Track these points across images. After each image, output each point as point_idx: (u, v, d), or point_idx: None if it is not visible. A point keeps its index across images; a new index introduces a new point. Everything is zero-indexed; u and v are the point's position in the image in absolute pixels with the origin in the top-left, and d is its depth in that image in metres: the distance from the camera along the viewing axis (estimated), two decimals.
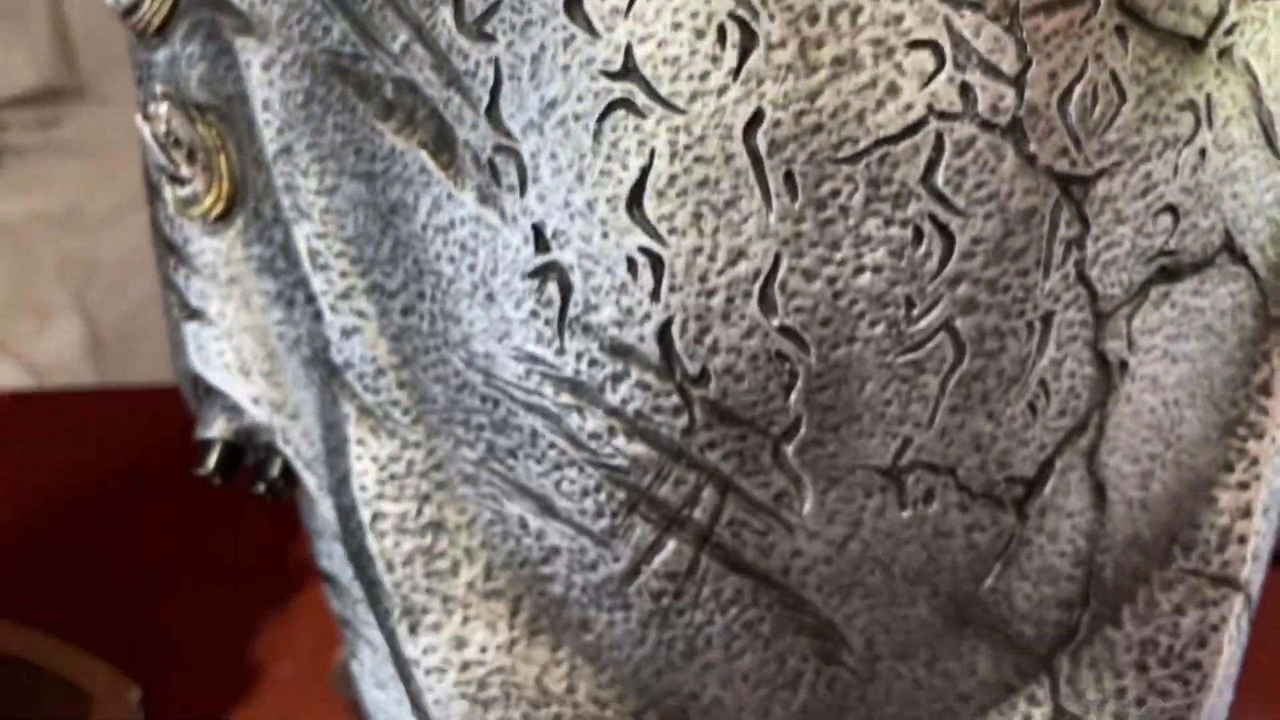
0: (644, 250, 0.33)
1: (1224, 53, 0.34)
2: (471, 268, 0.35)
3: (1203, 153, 0.35)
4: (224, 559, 0.63)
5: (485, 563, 0.37)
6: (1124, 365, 0.35)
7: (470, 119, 0.35)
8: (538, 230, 0.34)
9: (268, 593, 0.60)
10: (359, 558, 0.38)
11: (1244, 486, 0.37)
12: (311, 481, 0.40)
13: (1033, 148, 0.32)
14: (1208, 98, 0.34)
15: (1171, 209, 0.34)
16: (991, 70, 0.32)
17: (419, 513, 0.37)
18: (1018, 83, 0.32)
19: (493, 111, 0.34)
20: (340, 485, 0.38)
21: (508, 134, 0.34)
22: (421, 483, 0.37)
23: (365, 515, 0.37)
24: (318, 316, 0.37)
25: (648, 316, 0.33)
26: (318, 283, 0.38)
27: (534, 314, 0.34)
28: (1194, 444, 0.36)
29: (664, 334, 0.33)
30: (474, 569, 0.37)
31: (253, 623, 0.59)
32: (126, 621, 0.59)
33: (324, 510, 0.40)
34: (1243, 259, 0.36)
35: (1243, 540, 0.37)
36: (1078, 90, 0.32)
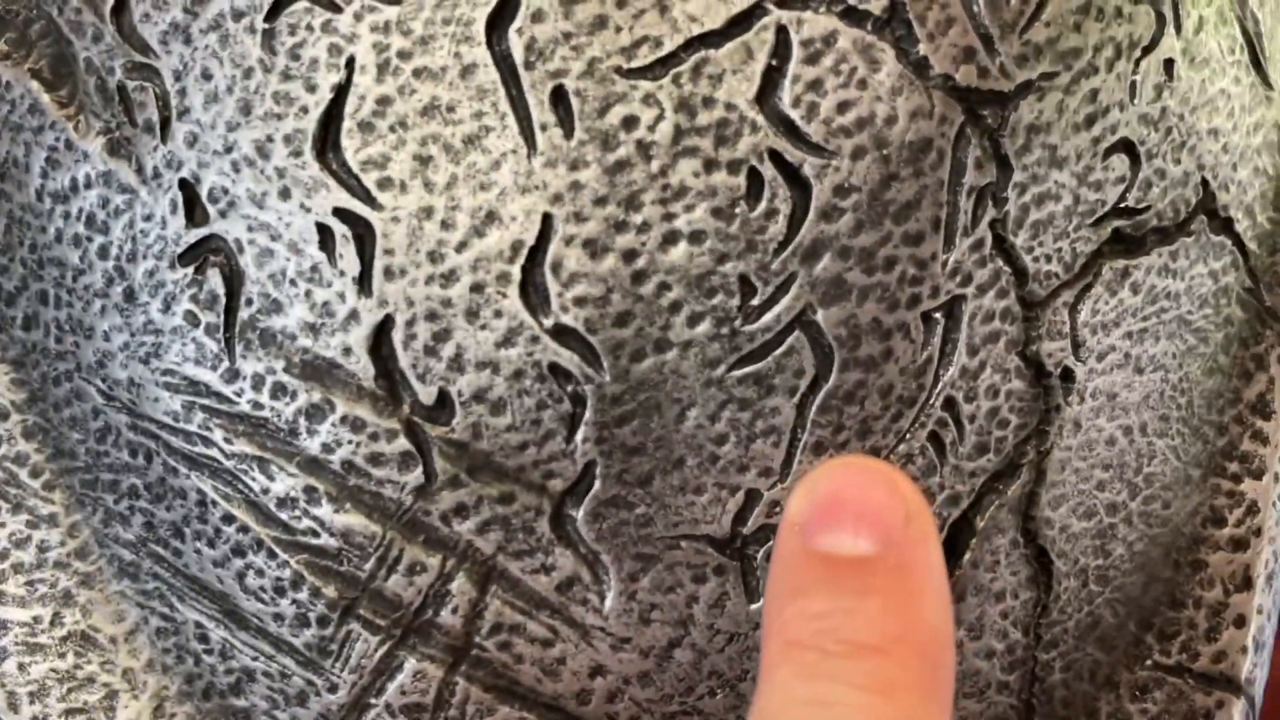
0: (343, 214, 0.22)
1: None
2: (103, 252, 0.24)
3: (1169, 66, 0.24)
4: None
5: (154, 693, 0.26)
6: (1068, 377, 0.24)
7: (93, 25, 0.24)
8: (188, 189, 0.23)
9: None
10: None
11: (1239, 545, 0.27)
12: None
13: (923, 49, 0.22)
14: None
15: (1128, 146, 0.24)
16: None
17: (56, 620, 0.26)
18: None
19: (122, 13, 0.23)
20: None
21: (143, 46, 0.23)
22: (60, 576, 0.26)
23: None
24: None
25: (354, 317, 0.23)
26: None
27: (191, 318, 0.23)
28: (1169, 487, 0.26)
29: (379, 343, 0.22)
30: (139, 702, 0.26)
31: None
32: None
33: None
34: (1226, 225, 0.26)
35: (1241, 622, 0.27)
36: None
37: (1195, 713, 0.26)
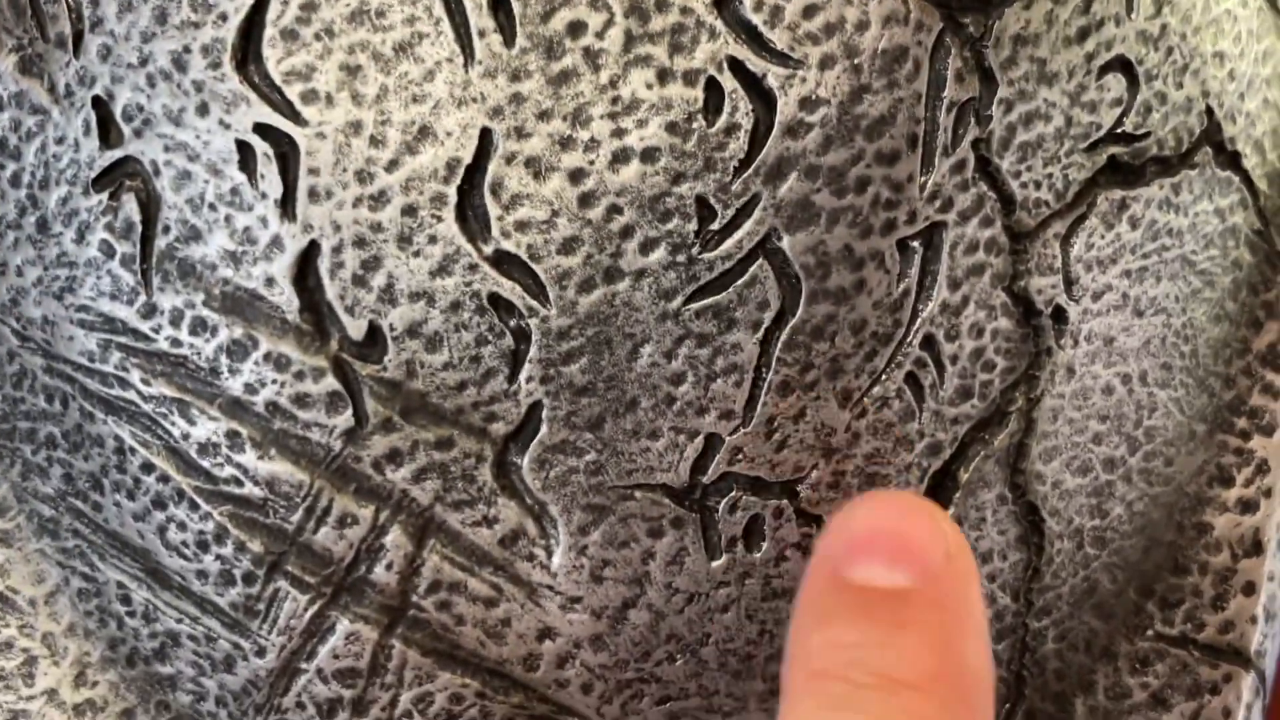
0: (265, 131, 0.21)
1: None
2: (15, 180, 0.22)
3: None
4: None
5: (76, 659, 0.24)
6: (1060, 317, 0.23)
7: None
8: (102, 107, 0.21)
9: None
10: None
11: (1248, 507, 0.25)
12: None
13: None
14: None
15: (1125, 65, 0.22)
16: None
17: None
18: None
19: None
20: None
21: None
22: None
23: None
24: None
25: (277, 244, 0.21)
26: None
27: (106, 248, 0.21)
28: (1172, 443, 0.24)
29: (304, 272, 0.21)
30: (59, 669, 0.24)
31: None
32: None
33: None
34: (1233, 159, 0.24)
35: (1250, 590, 0.25)
36: None
37: (1200, 686, 0.24)
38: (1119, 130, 0.22)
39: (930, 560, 0.20)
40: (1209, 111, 0.24)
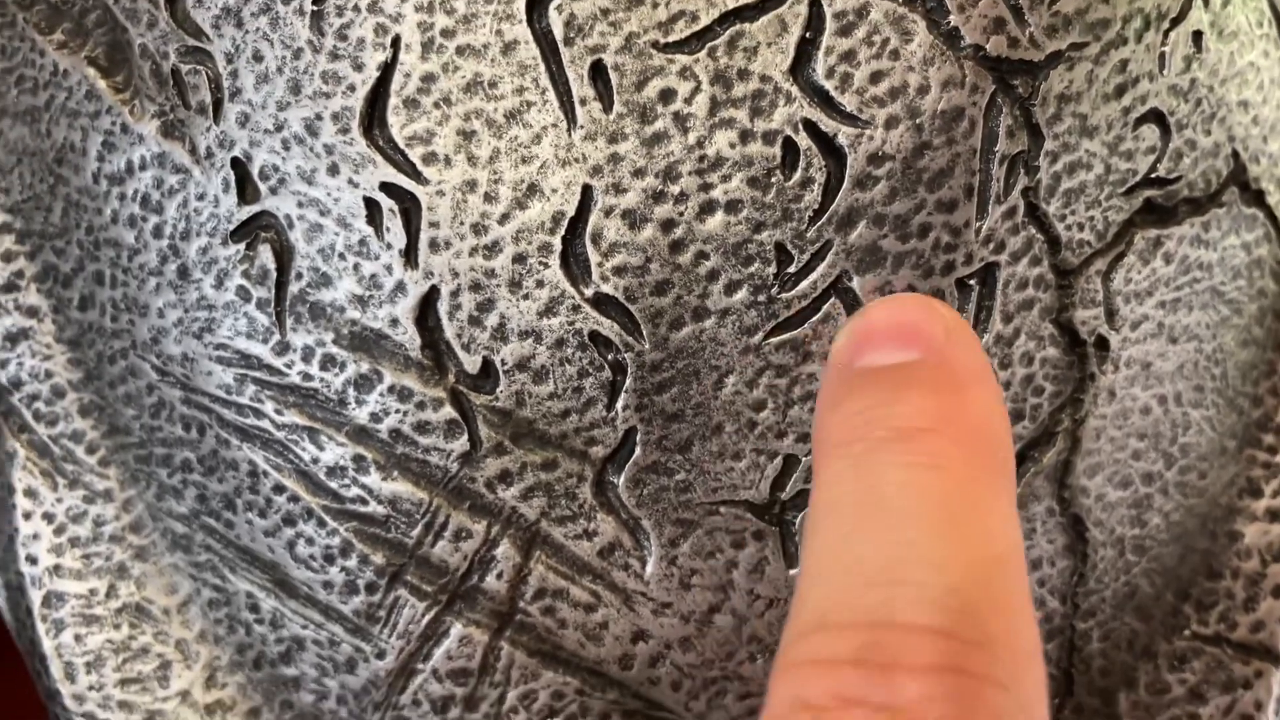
0: (390, 189, 0.23)
1: None
2: (158, 231, 0.25)
3: (1198, 38, 0.25)
4: None
5: (206, 663, 0.26)
6: (1102, 345, 0.25)
7: (147, 12, 0.24)
8: (240, 168, 0.24)
9: None
10: (31, 659, 0.27)
11: (1276, 516, 0.27)
12: None
13: (954, 20, 0.23)
14: None
15: (1158, 117, 0.24)
16: None
17: (111, 592, 0.26)
18: None
19: (174, 0, 0.24)
20: (4, 556, 0.27)
21: (196, 30, 0.24)
22: (115, 549, 0.27)
23: (35, 598, 0.27)
24: None
25: (401, 289, 0.23)
26: None
27: (243, 293, 0.24)
28: (1205, 458, 0.26)
29: (425, 314, 0.23)
30: (191, 673, 0.26)
31: None
32: None
33: None
34: (1258, 197, 0.26)
35: (1278, 593, 0.27)
36: None
37: (1234, 682, 0.27)
38: (1153, 175, 0.24)
39: (931, 335, 0.20)
40: (1235, 155, 0.26)
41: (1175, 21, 0.24)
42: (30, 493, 0.27)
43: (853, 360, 0.21)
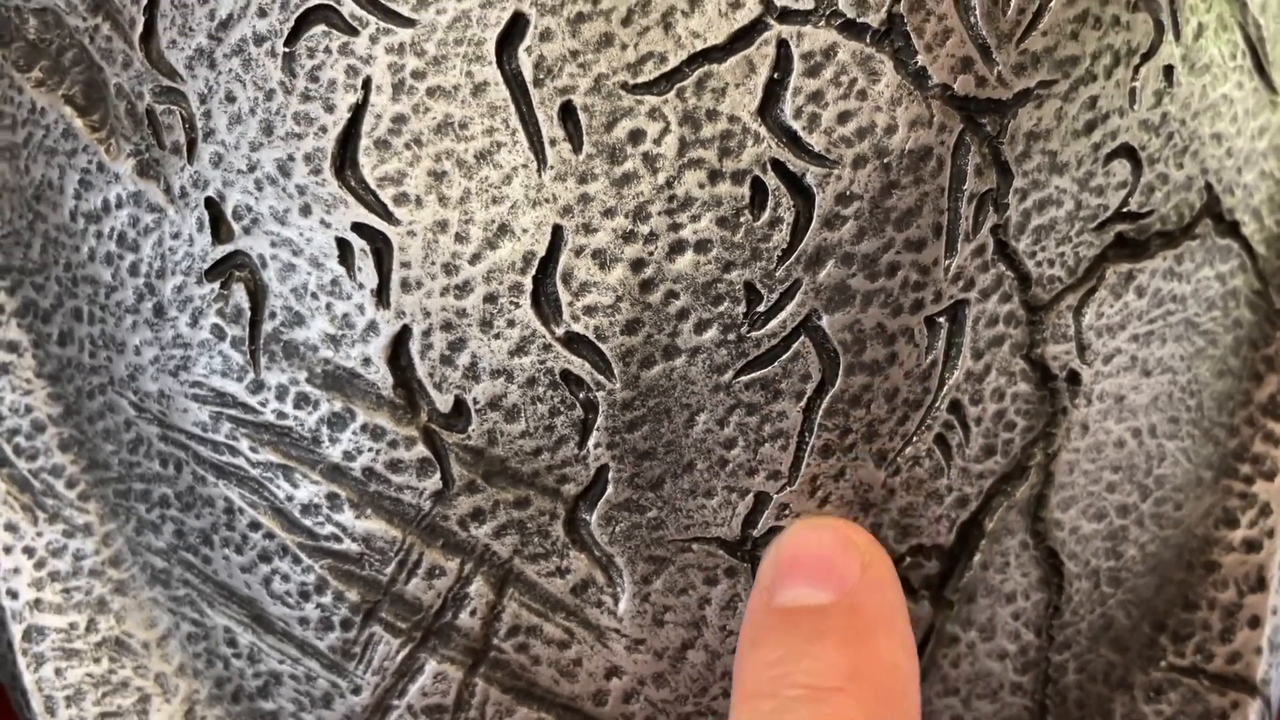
0: (361, 229, 0.23)
1: None
2: (134, 269, 0.25)
3: (1169, 73, 0.25)
4: None
5: (185, 697, 0.26)
6: (1074, 380, 0.25)
7: (122, 52, 0.24)
8: (214, 207, 0.24)
9: None
10: (13, 692, 0.27)
11: (1252, 547, 0.27)
12: None
13: (921, 60, 0.23)
14: None
15: (1129, 152, 0.24)
16: None
17: (91, 626, 0.27)
18: None
19: (150, 40, 0.24)
20: None
21: (170, 71, 0.24)
22: (95, 584, 0.27)
23: (16, 632, 0.27)
24: None
25: (373, 328, 0.23)
26: None
27: (217, 331, 0.24)
28: (1180, 489, 0.26)
29: (398, 353, 0.23)
30: (171, 706, 0.26)
31: None
32: None
33: None
34: (1232, 228, 0.26)
35: (1255, 623, 0.27)
36: None
37: (1211, 713, 0.27)
38: (1125, 210, 0.24)
39: (847, 574, 0.21)
40: (1208, 187, 0.26)
41: (1145, 57, 0.24)
42: (10, 527, 0.27)
43: (774, 591, 0.21)
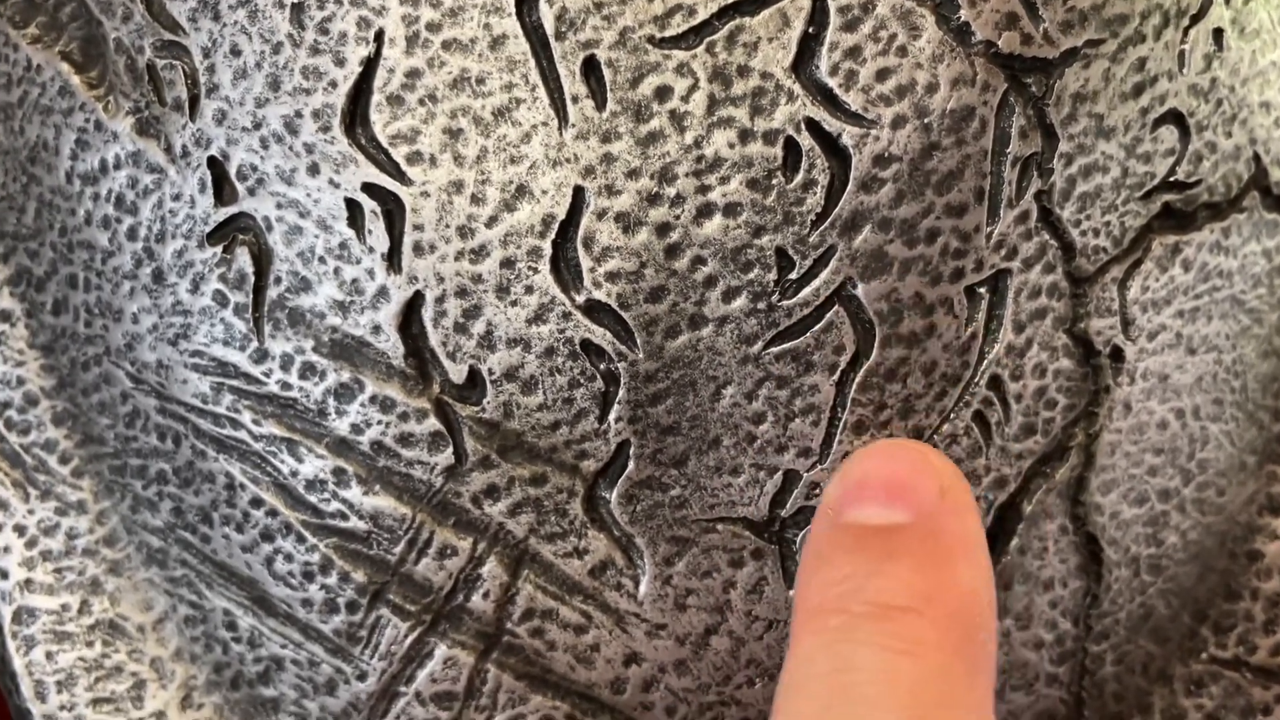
0: (372, 190, 0.22)
1: None
2: (132, 233, 0.24)
3: (1219, 36, 0.24)
4: None
5: (182, 682, 0.25)
6: (1118, 356, 0.24)
7: (122, 5, 0.23)
8: (217, 167, 0.23)
9: None
10: (2, 676, 0.26)
11: None
12: None
13: (964, 15, 0.22)
14: None
15: (1177, 118, 0.23)
16: None
17: (84, 608, 0.25)
18: None
19: None
20: None
21: (172, 23, 0.23)
22: (88, 563, 0.26)
23: (5, 613, 0.26)
24: None
25: (383, 295, 0.22)
26: None
27: (220, 298, 0.23)
28: (1223, 474, 0.25)
29: (409, 320, 0.22)
30: (167, 692, 0.25)
31: None
32: None
33: None
34: (1279, 203, 0.25)
35: None
36: None
37: (1253, 707, 0.25)
38: (1172, 179, 0.23)
39: (924, 496, 0.20)
40: (1256, 158, 0.25)
41: (1195, 18, 0.23)
42: (1, 504, 0.26)
43: (841, 510, 0.20)
